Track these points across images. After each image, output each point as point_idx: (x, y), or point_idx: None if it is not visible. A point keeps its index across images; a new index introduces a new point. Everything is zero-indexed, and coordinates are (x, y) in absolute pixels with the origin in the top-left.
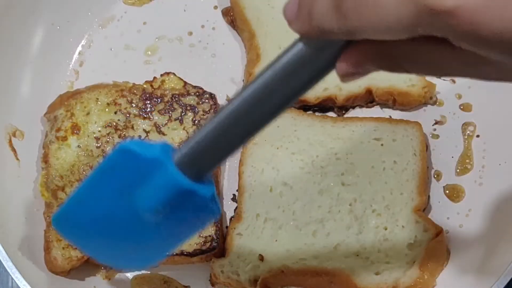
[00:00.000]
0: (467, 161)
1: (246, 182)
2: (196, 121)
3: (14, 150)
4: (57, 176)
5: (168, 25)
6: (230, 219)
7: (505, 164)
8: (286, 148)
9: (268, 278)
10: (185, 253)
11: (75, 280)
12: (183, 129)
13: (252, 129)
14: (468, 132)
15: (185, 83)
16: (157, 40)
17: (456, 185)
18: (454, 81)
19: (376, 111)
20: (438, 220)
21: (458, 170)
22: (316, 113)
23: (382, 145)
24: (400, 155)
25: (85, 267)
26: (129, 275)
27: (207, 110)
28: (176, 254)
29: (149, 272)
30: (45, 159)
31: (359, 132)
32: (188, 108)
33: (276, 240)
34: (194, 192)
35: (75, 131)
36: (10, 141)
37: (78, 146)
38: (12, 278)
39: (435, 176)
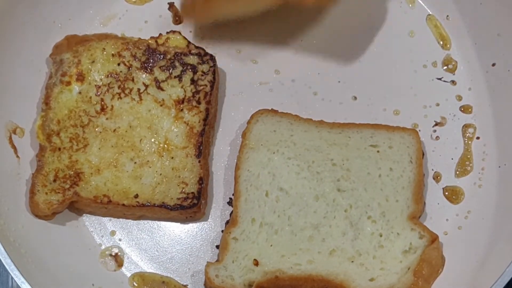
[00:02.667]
0: (466, 163)
1: (242, 186)
2: (195, 81)
3: (14, 147)
4: (55, 119)
5: (170, 24)
6: (226, 223)
7: (505, 166)
8: (282, 153)
9: (262, 283)
10: (166, 206)
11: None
12: (181, 87)
13: None
14: (468, 134)
15: (189, 42)
16: None
17: (456, 187)
18: (454, 83)
19: (373, 116)
20: (437, 221)
21: (457, 172)
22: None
23: (378, 152)
24: (397, 163)
25: (70, 214)
26: (128, 274)
27: (206, 71)
28: (157, 206)
29: (148, 272)
30: (47, 100)
31: (355, 139)
32: (189, 67)
33: (271, 245)
34: None
35: (80, 78)
36: (10, 138)
37: (79, 93)
38: (11, 278)
39: (435, 177)
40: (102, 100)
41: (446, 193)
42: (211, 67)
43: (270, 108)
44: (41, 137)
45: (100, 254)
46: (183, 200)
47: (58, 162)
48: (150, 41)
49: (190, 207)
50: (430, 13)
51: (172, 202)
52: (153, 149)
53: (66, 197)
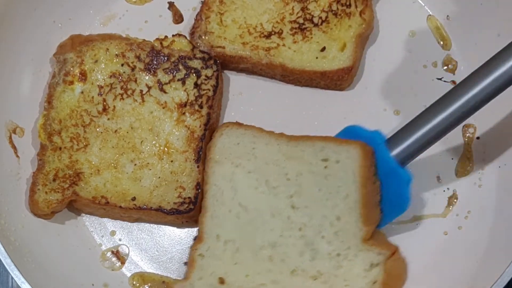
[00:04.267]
0: (466, 163)
1: (209, 202)
2: (198, 85)
3: (14, 147)
4: (57, 119)
5: (170, 24)
6: (194, 240)
7: (505, 166)
8: (243, 166)
9: None
10: (162, 209)
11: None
12: (184, 90)
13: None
14: (468, 134)
15: (194, 46)
16: None
17: (456, 187)
18: (454, 83)
19: (373, 117)
20: (437, 221)
21: (457, 172)
22: None
23: (325, 167)
24: (343, 180)
25: (70, 214)
26: (128, 274)
27: (209, 75)
28: (154, 209)
29: (148, 272)
30: (49, 99)
31: (308, 152)
32: (192, 71)
33: (235, 263)
34: (397, 173)
35: (82, 78)
36: (10, 138)
37: (81, 92)
38: (12, 278)
39: (435, 177)
40: (104, 100)
41: (446, 193)
42: (214, 71)
43: (235, 121)
44: (43, 136)
45: (100, 254)
46: (180, 204)
47: (58, 162)
48: (154, 43)
49: (187, 212)
50: (430, 13)
51: (169, 206)
52: (153, 152)
53: (65, 196)
